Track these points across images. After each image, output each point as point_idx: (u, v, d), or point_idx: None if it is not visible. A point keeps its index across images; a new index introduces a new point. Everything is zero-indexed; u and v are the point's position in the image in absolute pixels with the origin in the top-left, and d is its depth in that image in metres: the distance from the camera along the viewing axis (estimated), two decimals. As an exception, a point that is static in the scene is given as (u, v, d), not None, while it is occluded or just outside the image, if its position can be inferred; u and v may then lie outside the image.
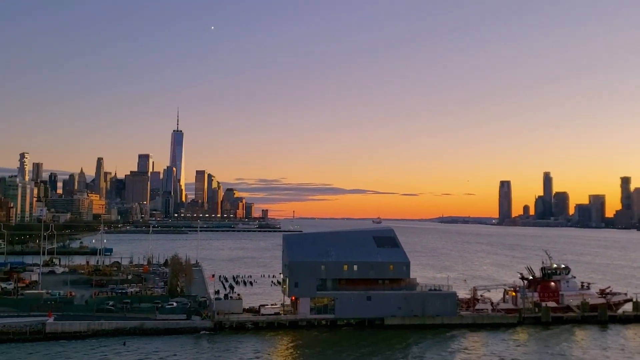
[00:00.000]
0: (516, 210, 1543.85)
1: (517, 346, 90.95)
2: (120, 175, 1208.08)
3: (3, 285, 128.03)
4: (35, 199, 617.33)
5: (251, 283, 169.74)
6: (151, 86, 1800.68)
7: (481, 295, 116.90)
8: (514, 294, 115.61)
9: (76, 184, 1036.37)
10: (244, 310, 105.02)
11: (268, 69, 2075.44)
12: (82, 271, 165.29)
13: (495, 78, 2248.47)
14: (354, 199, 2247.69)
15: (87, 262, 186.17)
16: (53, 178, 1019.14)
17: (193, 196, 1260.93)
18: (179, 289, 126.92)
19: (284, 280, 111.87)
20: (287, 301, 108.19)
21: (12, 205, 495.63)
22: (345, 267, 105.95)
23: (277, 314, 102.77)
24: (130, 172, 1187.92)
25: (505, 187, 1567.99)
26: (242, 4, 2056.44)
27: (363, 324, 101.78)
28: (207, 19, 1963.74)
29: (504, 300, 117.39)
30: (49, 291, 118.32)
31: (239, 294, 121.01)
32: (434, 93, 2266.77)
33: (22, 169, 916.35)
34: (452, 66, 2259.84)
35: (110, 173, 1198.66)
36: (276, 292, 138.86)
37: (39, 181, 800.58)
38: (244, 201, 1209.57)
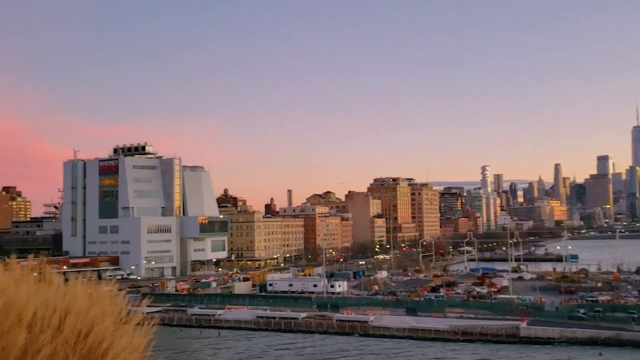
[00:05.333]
0: None
1: None
2: (580, 180, 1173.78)
3: (477, 289, 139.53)
4: (499, 208, 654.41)
5: None
6: (606, 83, 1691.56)
7: None
8: None
9: (536, 191, 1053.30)
10: None
11: None
12: (550, 278, 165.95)
13: None
14: None
15: (554, 269, 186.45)
16: (513, 187, 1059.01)
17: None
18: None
19: None
20: None
21: (478, 216, 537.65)
22: None
23: None
24: (590, 175, 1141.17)
25: None
26: None
27: None
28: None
29: None
30: (520, 296, 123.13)
31: None
32: None
33: (484, 181, 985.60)
34: None
35: (568, 178, 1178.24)
36: None
37: (500, 191, 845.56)
38: None
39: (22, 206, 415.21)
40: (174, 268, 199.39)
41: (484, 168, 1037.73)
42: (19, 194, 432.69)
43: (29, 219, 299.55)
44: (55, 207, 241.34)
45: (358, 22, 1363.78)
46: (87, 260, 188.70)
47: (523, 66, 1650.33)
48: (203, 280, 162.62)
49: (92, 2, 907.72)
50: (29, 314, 5.64)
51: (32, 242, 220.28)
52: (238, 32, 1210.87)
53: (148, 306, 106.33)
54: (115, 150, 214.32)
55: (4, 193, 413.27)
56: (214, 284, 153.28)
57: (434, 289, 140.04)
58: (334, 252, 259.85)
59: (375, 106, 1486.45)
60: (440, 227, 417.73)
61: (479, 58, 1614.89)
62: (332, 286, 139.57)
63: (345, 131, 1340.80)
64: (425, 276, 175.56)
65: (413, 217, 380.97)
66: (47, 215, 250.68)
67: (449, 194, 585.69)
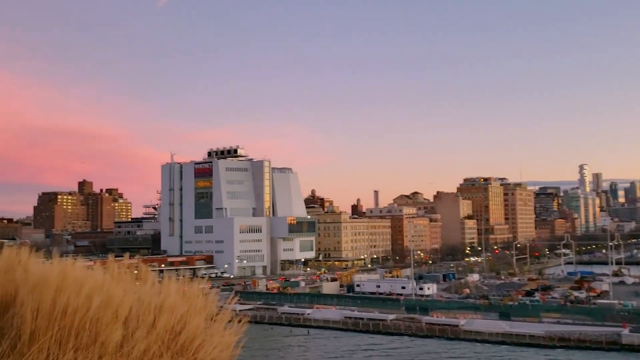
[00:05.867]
0: None
1: None
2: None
3: (575, 293, 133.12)
4: (598, 209, 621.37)
5: None
6: None
7: None
8: None
9: (638, 191, 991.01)
10: None
11: None
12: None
13: None
14: None
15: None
16: (613, 187, 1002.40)
17: None
18: None
19: None
20: None
21: (576, 217, 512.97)
22: None
23: None
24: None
25: None
26: None
27: None
28: None
29: None
30: (621, 302, 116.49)
31: None
32: None
33: (582, 180, 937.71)
34: None
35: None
36: None
37: (599, 191, 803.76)
38: None
39: (124, 207, 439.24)
40: (264, 267, 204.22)
41: (581, 167, 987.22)
42: (120, 196, 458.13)
43: (129, 220, 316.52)
44: (154, 208, 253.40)
45: (445, 18, 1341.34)
46: (184, 258, 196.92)
47: (623, 59, 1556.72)
48: (292, 280, 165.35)
49: (186, 14, 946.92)
50: (125, 310, 5.94)
51: (133, 241, 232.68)
52: (327, 35, 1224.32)
53: (240, 304, 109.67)
54: (209, 154, 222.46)
55: (107, 195, 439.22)
56: (302, 284, 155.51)
57: (529, 293, 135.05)
58: (422, 254, 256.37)
59: (465, 103, 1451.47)
60: (535, 228, 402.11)
61: (578, 50, 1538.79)
62: (421, 288, 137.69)
63: (434, 130, 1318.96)
64: (519, 280, 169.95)
65: (506, 219, 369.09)
66: (147, 216, 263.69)
67: (545, 194, 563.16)
